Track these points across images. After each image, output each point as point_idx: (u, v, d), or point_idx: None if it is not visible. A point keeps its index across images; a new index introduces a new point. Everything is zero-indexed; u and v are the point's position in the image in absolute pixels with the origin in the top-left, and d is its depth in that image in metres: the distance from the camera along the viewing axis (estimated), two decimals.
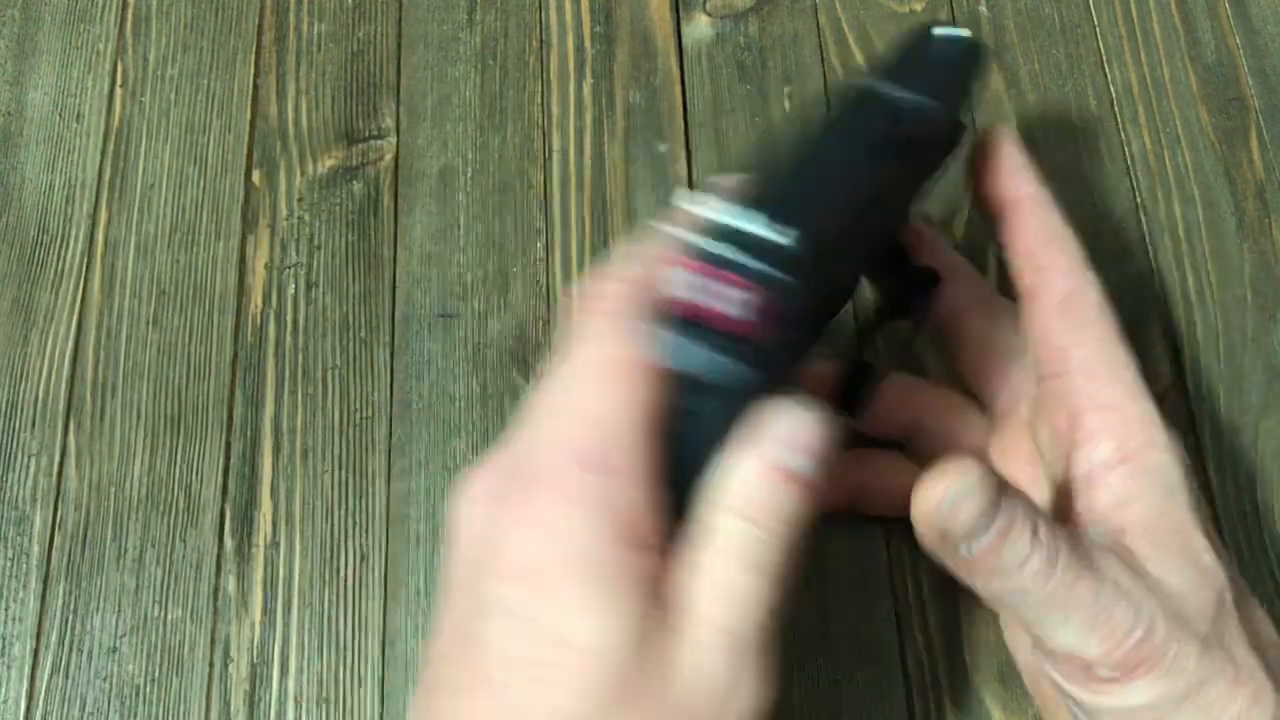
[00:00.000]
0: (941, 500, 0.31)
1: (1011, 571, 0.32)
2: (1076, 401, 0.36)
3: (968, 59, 0.39)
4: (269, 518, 0.45)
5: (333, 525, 0.45)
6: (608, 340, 0.31)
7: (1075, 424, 0.36)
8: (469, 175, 0.51)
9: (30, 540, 0.44)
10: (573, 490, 0.29)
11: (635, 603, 0.29)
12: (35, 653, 0.43)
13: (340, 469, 0.46)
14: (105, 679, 0.42)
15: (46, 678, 0.42)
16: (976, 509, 0.31)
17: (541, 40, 0.54)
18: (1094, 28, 0.55)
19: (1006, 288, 0.42)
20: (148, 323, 0.48)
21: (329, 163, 0.51)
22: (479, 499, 0.31)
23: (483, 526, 0.30)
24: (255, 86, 0.53)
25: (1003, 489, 0.31)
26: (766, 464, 0.30)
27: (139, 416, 0.46)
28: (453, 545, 0.31)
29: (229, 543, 0.45)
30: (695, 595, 0.30)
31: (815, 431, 0.31)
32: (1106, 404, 0.36)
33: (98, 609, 0.43)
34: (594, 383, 0.30)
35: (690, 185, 0.50)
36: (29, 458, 0.46)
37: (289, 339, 0.48)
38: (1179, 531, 0.34)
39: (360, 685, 0.43)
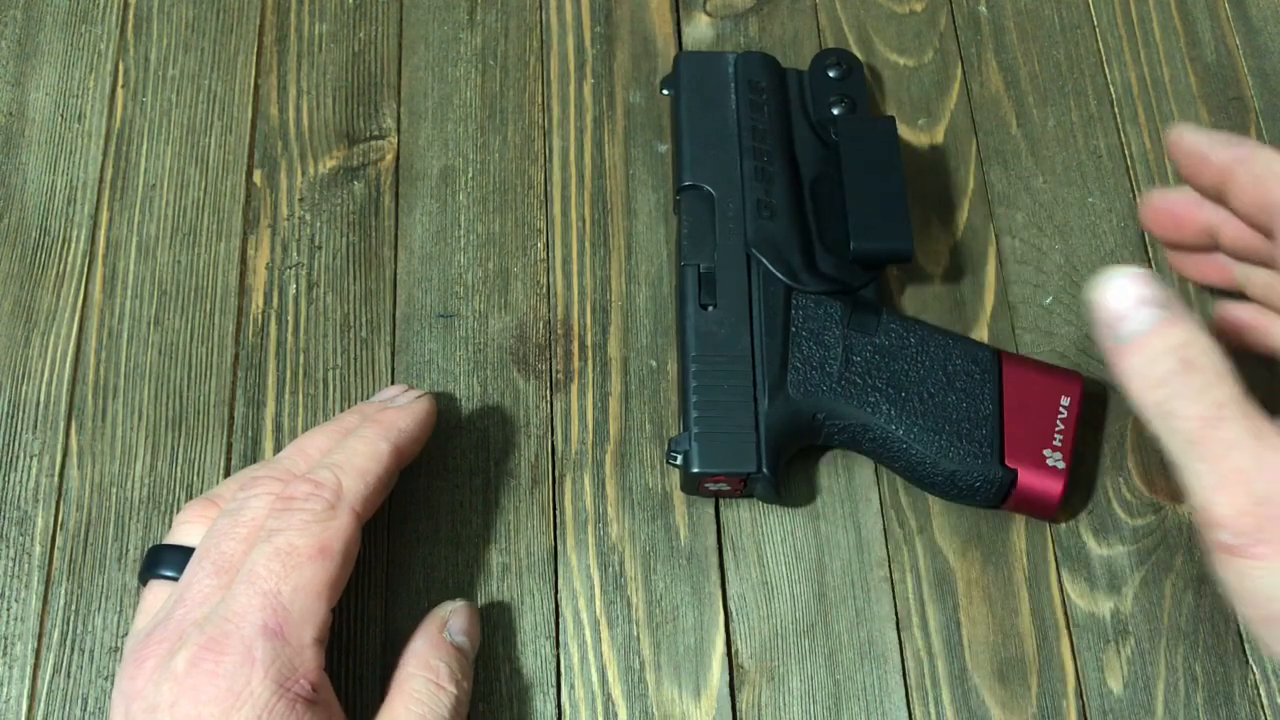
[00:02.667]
0: (1107, 281, 0.36)
1: (1155, 383, 0.35)
2: None
3: None
4: None
5: None
6: (316, 524, 0.37)
7: None
8: (469, 175, 0.51)
9: (32, 540, 0.44)
10: (256, 654, 0.35)
11: None
12: (37, 652, 0.43)
13: None
14: (107, 679, 0.42)
15: (48, 677, 0.42)
16: (1134, 295, 0.36)
17: (542, 40, 0.54)
18: (1094, 28, 0.55)
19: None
20: (149, 323, 0.48)
21: (330, 163, 0.51)
22: (152, 671, 0.35)
23: (165, 696, 0.35)
24: (256, 87, 0.53)
25: (1171, 301, 0.36)
26: (441, 639, 0.41)
27: (140, 417, 0.46)
28: (117, 716, 0.36)
29: None
30: None
31: (469, 619, 0.42)
32: None
33: (99, 609, 0.43)
34: (289, 560, 0.37)
35: None
36: (31, 458, 0.46)
37: (290, 339, 0.48)
38: None
39: (361, 684, 0.43)
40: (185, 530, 0.40)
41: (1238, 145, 0.41)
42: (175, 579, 0.38)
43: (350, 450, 0.40)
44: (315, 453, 0.41)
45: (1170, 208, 0.46)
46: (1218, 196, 0.42)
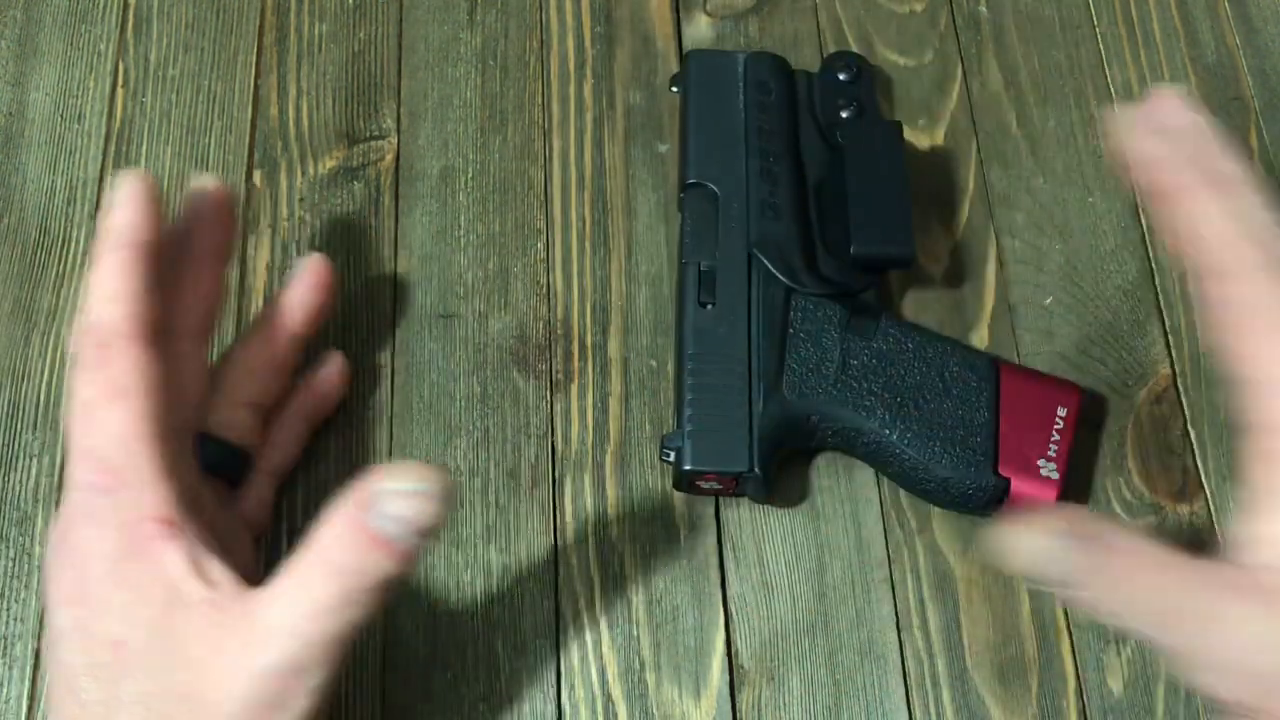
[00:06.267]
0: (1027, 561, 0.34)
1: (1093, 597, 0.34)
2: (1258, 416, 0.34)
3: None
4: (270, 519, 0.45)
5: None
6: (96, 370, 0.37)
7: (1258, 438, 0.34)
8: (469, 175, 0.51)
9: (32, 541, 0.44)
10: (94, 511, 0.36)
11: (159, 595, 0.35)
12: (37, 653, 0.43)
13: (341, 469, 0.46)
14: None
15: (48, 678, 0.42)
16: (1060, 572, 0.33)
17: (542, 40, 0.54)
18: (1094, 28, 0.55)
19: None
20: None
21: (330, 163, 0.51)
22: (49, 544, 0.37)
23: (50, 570, 0.36)
24: (256, 87, 0.53)
25: (1093, 544, 0.33)
26: (363, 528, 0.34)
27: None
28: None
29: None
30: (271, 608, 0.34)
31: (420, 505, 0.34)
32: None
33: None
34: (88, 415, 0.36)
35: None
36: (31, 458, 0.46)
37: None
38: None
39: (359, 688, 0.43)
40: None
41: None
42: None
43: (91, 284, 0.38)
44: None
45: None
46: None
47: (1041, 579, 0.34)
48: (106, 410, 0.36)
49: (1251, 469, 0.34)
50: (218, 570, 0.36)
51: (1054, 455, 0.44)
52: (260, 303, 0.48)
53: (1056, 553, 0.33)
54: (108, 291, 0.38)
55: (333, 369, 0.46)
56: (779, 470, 0.45)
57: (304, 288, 0.45)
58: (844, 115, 0.50)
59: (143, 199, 0.39)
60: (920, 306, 0.49)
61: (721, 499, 0.46)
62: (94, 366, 0.37)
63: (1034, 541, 0.33)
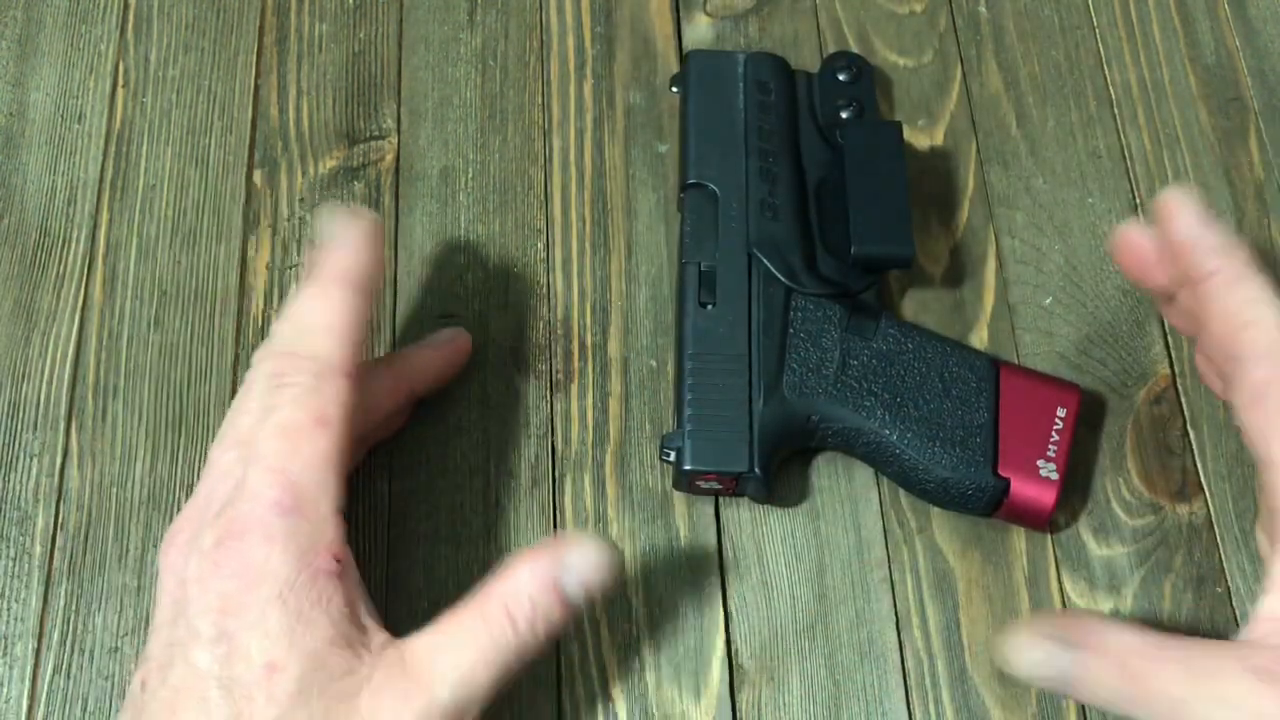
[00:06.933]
0: (1027, 670, 0.36)
1: (1098, 696, 0.36)
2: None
3: None
4: None
5: None
6: (309, 395, 0.37)
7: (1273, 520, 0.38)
8: (469, 175, 0.51)
9: (32, 540, 0.44)
10: (274, 531, 0.35)
11: (324, 629, 0.35)
12: (37, 652, 0.43)
13: None
14: (107, 679, 0.42)
15: (48, 678, 0.42)
16: (1050, 674, 0.36)
17: (542, 41, 0.54)
18: (1094, 28, 0.55)
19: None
20: (149, 324, 0.48)
21: (330, 163, 0.51)
22: (184, 546, 0.36)
23: (192, 571, 0.36)
24: (256, 87, 0.53)
25: (1080, 647, 0.35)
26: (553, 582, 0.37)
27: (140, 417, 0.46)
28: (161, 589, 0.37)
29: None
30: (435, 654, 0.36)
31: (599, 571, 0.37)
32: None
33: (99, 609, 0.43)
34: (291, 436, 0.37)
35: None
36: (31, 458, 0.46)
37: None
38: None
39: None
40: None
41: (1222, 258, 0.39)
42: None
43: (307, 311, 0.39)
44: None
45: (1142, 250, 0.42)
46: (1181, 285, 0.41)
47: (1044, 686, 0.36)
48: (311, 436, 0.37)
49: (1268, 549, 0.37)
50: (369, 616, 0.37)
51: (1054, 455, 0.44)
52: (260, 303, 0.48)
53: (1053, 660, 0.35)
54: (327, 324, 0.39)
55: (406, 409, 0.46)
56: (779, 470, 0.45)
57: (446, 359, 0.46)
58: (844, 115, 0.50)
59: (373, 242, 0.40)
60: (920, 306, 0.49)
61: (721, 499, 0.46)
62: (306, 392, 0.37)
63: (1029, 652, 0.36)
